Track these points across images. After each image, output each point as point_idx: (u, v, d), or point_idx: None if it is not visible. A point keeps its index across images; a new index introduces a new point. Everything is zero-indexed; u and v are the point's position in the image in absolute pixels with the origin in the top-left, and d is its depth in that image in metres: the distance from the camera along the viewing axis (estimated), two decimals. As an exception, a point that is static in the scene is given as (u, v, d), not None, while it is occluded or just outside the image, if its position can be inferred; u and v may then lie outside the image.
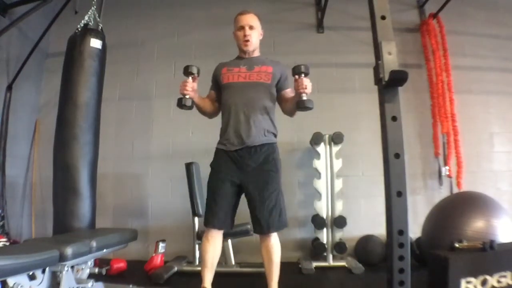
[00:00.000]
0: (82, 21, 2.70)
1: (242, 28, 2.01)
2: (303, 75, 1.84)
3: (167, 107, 3.62)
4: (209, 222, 1.86)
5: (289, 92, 2.01)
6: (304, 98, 1.82)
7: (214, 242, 1.87)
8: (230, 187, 1.88)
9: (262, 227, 1.83)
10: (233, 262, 2.84)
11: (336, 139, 3.08)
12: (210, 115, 2.11)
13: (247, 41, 1.99)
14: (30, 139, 3.57)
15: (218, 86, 2.06)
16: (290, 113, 2.02)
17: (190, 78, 1.91)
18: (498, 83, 3.58)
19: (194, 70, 1.92)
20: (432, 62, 3.58)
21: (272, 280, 1.84)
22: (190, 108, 1.92)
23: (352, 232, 3.11)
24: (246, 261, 2.90)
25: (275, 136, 2.00)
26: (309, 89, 1.81)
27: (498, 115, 3.55)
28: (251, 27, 2.00)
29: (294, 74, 1.87)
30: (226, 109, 1.98)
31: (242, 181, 1.88)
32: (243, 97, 1.93)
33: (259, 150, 1.89)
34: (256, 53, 2.09)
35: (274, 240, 1.87)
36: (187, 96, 1.89)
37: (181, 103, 1.88)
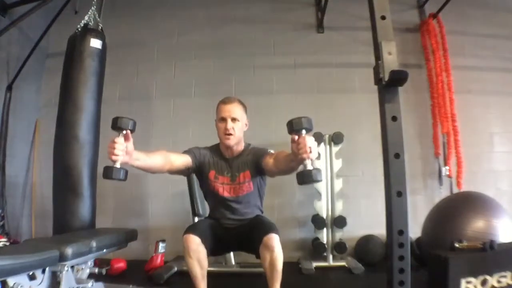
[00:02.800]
0: (82, 21, 2.69)
1: (223, 119, 1.88)
2: (303, 131, 1.36)
3: (167, 107, 3.62)
4: (189, 230, 1.80)
5: (271, 156, 1.85)
6: (309, 167, 1.33)
7: (197, 255, 1.73)
8: (215, 237, 1.90)
9: (266, 232, 1.73)
10: (233, 262, 2.84)
11: (336, 139, 3.08)
12: (155, 172, 1.90)
13: (230, 134, 1.86)
14: (30, 139, 3.57)
15: (198, 168, 2.01)
16: (286, 173, 1.73)
17: (121, 135, 1.41)
18: (498, 83, 3.58)
19: (127, 124, 1.39)
20: (432, 62, 3.58)
21: (275, 283, 1.77)
22: (122, 180, 1.43)
23: (352, 232, 3.11)
24: (246, 261, 2.90)
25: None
26: (314, 153, 1.36)
27: (498, 115, 3.55)
28: (233, 119, 1.87)
29: (291, 131, 1.40)
30: (213, 210, 2.06)
31: (228, 242, 1.97)
32: (232, 210, 1.97)
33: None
34: (240, 146, 1.99)
35: (278, 250, 1.70)
36: (117, 164, 1.39)
37: (108, 174, 1.38)
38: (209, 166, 2.00)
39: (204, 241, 1.76)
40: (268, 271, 1.71)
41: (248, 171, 1.95)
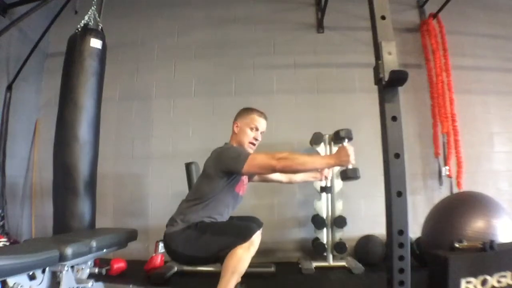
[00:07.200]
0: (82, 21, 2.70)
1: (257, 129, 2.00)
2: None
3: (167, 107, 3.62)
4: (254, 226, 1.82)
5: None
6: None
7: None
8: None
9: None
10: (233, 262, 2.83)
11: (336, 139, 3.07)
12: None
13: (254, 145, 2.00)
14: (30, 139, 3.57)
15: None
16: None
17: (348, 143, 1.88)
18: (498, 83, 3.58)
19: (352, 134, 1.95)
20: (432, 62, 3.58)
21: None
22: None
23: (352, 232, 3.11)
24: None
25: None
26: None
27: (498, 115, 3.55)
28: (261, 133, 2.04)
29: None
30: (224, 207, 1.96)
31: None
32: (234, 207, 2.03)
33: None
34: None
35: None
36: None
37: (359, 174, 1.78)
38: None
39: None
40: None
41: None
